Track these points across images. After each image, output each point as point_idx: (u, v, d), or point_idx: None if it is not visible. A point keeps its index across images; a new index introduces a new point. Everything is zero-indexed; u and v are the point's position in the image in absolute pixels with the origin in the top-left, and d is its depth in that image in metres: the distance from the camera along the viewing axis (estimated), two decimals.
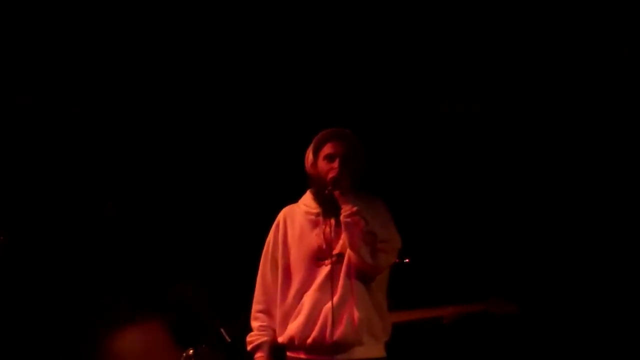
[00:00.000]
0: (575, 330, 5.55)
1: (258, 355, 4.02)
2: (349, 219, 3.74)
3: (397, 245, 3.83)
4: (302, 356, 3.87)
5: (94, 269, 6.01)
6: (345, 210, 3.76)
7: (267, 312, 4.03)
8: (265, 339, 4.01)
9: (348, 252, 3.79)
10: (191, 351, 5.46)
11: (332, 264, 3.81)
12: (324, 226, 3.89)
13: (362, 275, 3.82)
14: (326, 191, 3.80)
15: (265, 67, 5.70)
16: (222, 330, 5.47)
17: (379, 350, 3.89)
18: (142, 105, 5.99)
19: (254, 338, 4.04)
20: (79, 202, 6.17)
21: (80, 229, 6.13)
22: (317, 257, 3.87)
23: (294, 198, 4.12)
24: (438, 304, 5.16)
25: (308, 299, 3.84)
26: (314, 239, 3.90)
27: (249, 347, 4.03)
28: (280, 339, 3.95)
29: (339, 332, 3.75)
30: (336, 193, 3.80)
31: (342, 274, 3.81)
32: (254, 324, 4.06)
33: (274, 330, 4.01)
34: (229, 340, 5.50)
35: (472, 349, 5.79)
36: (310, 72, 5.70)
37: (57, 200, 6.11)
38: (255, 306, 4.07)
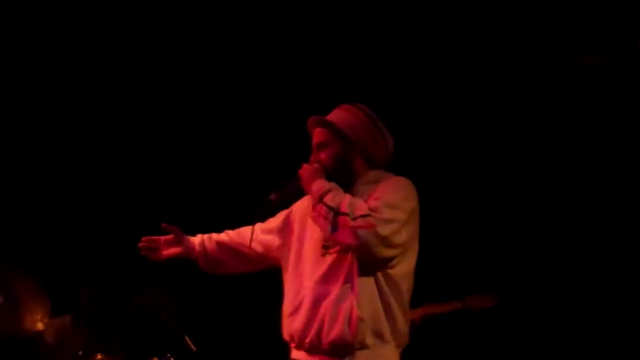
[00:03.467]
0: (556, 319, 5.42)
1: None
2: (314, 201, 3.38)
3: (385, 216, 3.25)
4: (303, 357, 3.47)
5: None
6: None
7: (223, 235, 3.88)
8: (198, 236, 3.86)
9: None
10: None
11: (338, 252, 3.40)
12: None
13: (366, 266, 3.35)
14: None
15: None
16: (187, 339, 5.08)
17: (388, 355, 3.42)
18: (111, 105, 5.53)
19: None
20: (41, 207, 5.73)
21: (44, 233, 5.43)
22: (323, 246, 3.46)
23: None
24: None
25: (309, 292, 3.42)
26: (316, 228, 3.46)
27: None
28: (284, 336, 3.60)
29: (334, 332, 3.33)
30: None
31: (345, 266, 3.37)
32: None
33: (204, 241, 3.87)
34: (195, 349, 5.21)
35: (453, 348, 5.23)
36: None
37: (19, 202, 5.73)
38: None
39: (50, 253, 5.86)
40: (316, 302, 3.42)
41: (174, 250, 3.83)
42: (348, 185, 3.49)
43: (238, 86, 5.88)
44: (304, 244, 3.60)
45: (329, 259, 3.45)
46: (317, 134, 3.55)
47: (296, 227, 3.68)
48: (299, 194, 3.57)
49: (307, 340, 3.42)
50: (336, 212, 3.29)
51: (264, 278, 4.03)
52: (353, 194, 3.44)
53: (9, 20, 5.50)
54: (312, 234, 3.57)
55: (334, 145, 3.48)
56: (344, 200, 3.31)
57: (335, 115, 3.55)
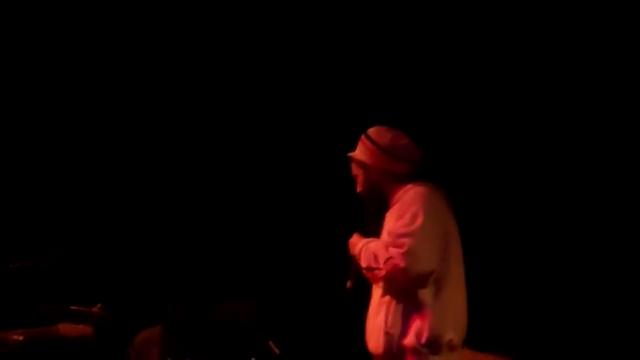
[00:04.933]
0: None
1: None
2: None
3: (399, 251, 3.56)
4: None
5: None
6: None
7: None
8: None
9: None
10: None
11: None
12: None
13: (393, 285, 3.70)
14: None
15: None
16: (270, 343, 5.15)
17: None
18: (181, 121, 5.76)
19: None
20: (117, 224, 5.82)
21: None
22: None
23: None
24: None
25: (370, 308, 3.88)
26: None
27: None
28: None
29: (371, 343, 3.77)
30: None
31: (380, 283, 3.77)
32: None
33: None
34: (278, 352, 5.27)
35: None
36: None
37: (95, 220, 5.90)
38: None
39: (138, 267, 6.05)
40: (369, 315, 3.85)
41: None
42: (386, 204, 3.85)
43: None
44: None
45: None
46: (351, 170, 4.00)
47: None
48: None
49: (368, 347, 3.84)
50: (370, 269, 3.70)
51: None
52: (390, 214, 3.78)
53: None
54: None
55: (360, 174, 3.92)
56: (370, 256, 3.69)
57: (356, 150, 3.96)
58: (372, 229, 3.83)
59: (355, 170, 3.93)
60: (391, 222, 3.72)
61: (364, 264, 3.71)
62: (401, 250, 3.56)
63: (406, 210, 3.66)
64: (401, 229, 3.61)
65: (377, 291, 3.79)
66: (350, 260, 3.88)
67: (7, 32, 5.85)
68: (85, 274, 5.87)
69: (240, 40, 6.00)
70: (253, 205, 6.10)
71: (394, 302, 3.67)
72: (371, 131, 3.91)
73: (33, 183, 6.06)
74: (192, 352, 5.49)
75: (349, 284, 3.88)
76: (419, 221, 3.60)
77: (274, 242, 6.04)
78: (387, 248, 3.61)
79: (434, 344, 3.60)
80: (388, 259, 3.58)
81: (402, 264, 3.55)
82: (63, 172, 6.09)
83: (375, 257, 3.64)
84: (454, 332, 3.64)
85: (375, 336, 3.71)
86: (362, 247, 3.75)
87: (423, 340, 3.59)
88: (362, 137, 3.93)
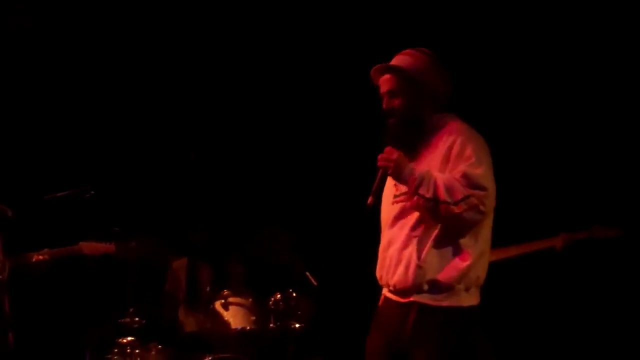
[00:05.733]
0: None
1: None
2: (410, 191, 3.45)
3: (481, 193, 3.38)
4: (386, 293, 3.67)
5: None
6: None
7: None
8: None
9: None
10: (278, 295, 5.30)
11: (403, 202, 3.55)
12: None
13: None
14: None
15: None
16: (308, 274, 5.23)
17: (453, 299, 3.49)
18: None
19: None
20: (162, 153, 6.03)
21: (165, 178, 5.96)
22: (394, 195, 3.62)
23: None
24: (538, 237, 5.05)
25: (383, 238, 3.66)
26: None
27: None
28: None
29: (396, 277, 3.52)
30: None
31: (413, 214, 3.51)
32: None
33: None
34: (316, 284, 5.33)
35: (578, 276, 5.22)
36: None
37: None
38: None
39: (172, 199, 6.11)
40: (385, 246, 3.63)
41: None
42: (418, 130, 3.57)
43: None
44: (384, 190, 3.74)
45: (396, 207, 3.60)
46: (386, 82, 3.57)
47: None
48: (386, 181, 3.66)
49: (382, 280, 3.65)
50: (436, 201, 3.38)
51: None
52: (425, 142, 3.55)
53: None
54: (387, 184, 3.70)
55: (406, 92, 3.53)
56: (439, 188, 3.38)
57: (401, 61, 3.56)
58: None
59: (398, 85, 3.53)
60: (443, 156, 3.46)
61: (427, 193, 3.37)
62: (483, 193, 3.37)
63: (464, 148, 3.44)
64: (475, 169, 3.39)
65: (404, 222, 3.54)
66: (377, 176, 3.53)
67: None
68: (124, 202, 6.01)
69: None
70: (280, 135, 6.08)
71: (430, 236, 3.44)
72: (419, 49, 3.57)
73: (77, 121, 6.22)
74: (227, 281, 5.62)
75: (370, 199, 3.50)
76: (485, 160, 3.45)
77: (305, 174, 5.99)
78: (463, 186, 3.36)
79: (468, 281, 3.48)
80: (468, 196, 3.36)
81: (482, 207, 3.37)
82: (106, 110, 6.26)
83: (450, 192, 3.36)
84: (482, 270, 3.54)
85: (403, 269, 3.49)
86: (424, 175, 3.41)
87: (459, 276, 3.45)
88: (410, 50, 3.57)
